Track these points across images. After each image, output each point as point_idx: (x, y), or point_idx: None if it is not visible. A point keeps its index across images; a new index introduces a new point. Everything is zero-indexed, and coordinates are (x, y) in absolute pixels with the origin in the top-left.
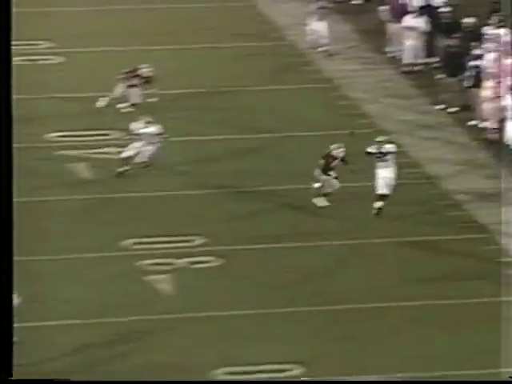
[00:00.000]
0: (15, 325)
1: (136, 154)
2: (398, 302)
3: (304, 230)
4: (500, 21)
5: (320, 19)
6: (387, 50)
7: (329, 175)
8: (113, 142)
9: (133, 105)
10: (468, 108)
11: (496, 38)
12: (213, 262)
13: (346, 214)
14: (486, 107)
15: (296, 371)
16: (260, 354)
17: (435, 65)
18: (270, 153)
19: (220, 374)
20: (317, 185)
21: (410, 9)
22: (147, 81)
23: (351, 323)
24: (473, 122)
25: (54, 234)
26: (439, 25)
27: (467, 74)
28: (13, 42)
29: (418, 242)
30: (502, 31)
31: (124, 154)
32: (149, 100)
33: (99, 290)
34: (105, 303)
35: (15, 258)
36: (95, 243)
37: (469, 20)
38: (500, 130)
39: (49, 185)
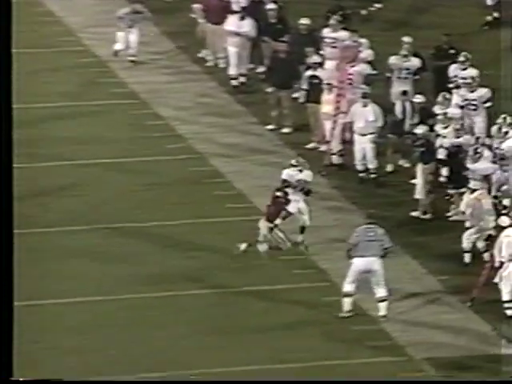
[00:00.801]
0: None
1: None
2: None
3: None
4: (340, 22)
5: (130, 25)
6: (202, 55)
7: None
8: None
9: None
10: (305, 128)
11: (336, 43)
12: None
13: None
14: (327, 126)
15: None
16: None
17: (263, 76)
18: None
19: None
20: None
21: (232, 8)
22: None
23: None
24: (311, 145)
25: None
26: (266, 26)
27: (302, 86)
28: None
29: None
30: (342, 34)
31: None
32: None
33: None
34: None
35: None
36: None
37: (303, 21)
38: (344, 153)
39: None
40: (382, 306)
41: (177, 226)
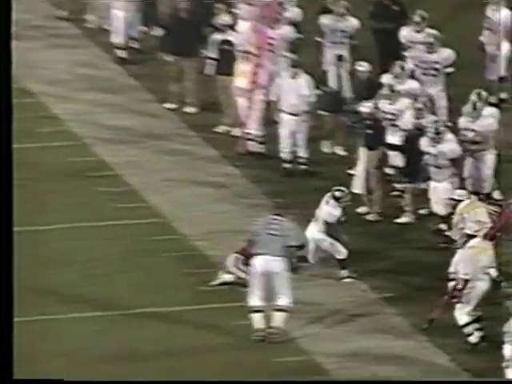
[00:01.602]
0: None
1: None
2: None
3: None
4: None
5: None
6: (87, 17)
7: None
8: None
9: None
10: (213, 107)
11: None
12: None
13: None
14: (242, 104)
15: None
16: None
17: (159, 40)
18: None
19: None
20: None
21: None
22: None
23: None
24: (222, 128)
25: None
26: None
27: (210, 54)
28: None
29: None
30: None
31: None
32: None
33: None
34: None
35: None
36: None
37: None
38: (266, 138)
39: None
40: (279, 316)
41: (52, 231)
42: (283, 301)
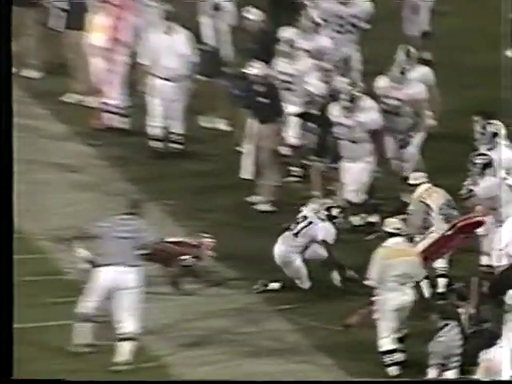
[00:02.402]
0: None
1: None
2: None
3: None
4: None
5: None
6: None
7: None
8: None
9: None
10: (60, 70)
11: None
12: None
13: None
14: (98, 67)
15: None
16: None
17: None
18: None
19: None
20: None
21: None
22: None
23: None
24: (72, 97)
25: None
26: None
27: (56, 2)
28: None
29: None
30: None
31: None
32: None
33: None
34: None
35: None
36: None
37: None
38: (129, 110)
39: None
40: (124, 347)
41: None
42: (129, 327)
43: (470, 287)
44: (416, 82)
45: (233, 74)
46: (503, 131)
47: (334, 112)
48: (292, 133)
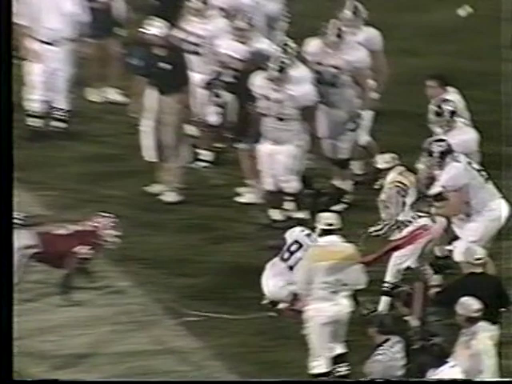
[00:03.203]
0: None
1: None
2: None
3: None
4: None
5: None
6: None
7: None
8: None
9: None
10: None
11: None
12: None
13: None
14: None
15: None
16: None
17: None
18: None
19: None
20: None
21: None
22: None
23: None
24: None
25: None
26: None
27: None
28: None
29: None
30: None
31: None
32: None
33: None
34: None
35: None
36: None
37: None
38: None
39: None
40: None
41: None
42: None
43: (413, 293)
44: (357, 46)
45: (122, 35)
46: (461, 105)
47: (258, 82)
48: (200, 107)
